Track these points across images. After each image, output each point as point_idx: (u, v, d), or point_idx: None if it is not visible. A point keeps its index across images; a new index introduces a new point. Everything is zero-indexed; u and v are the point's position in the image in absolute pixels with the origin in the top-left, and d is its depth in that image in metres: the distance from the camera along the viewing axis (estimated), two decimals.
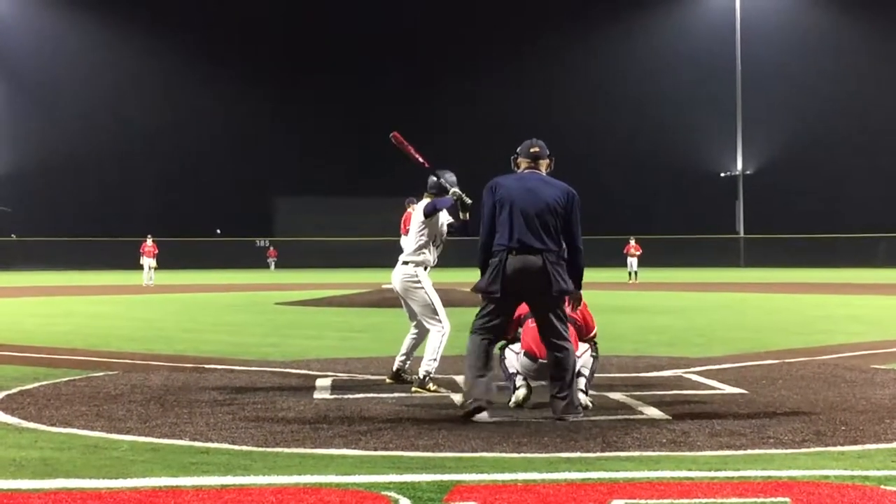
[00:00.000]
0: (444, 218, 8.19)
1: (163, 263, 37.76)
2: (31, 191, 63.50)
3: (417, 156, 7.99)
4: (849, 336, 12.92)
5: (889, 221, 57.16)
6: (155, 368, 9.37)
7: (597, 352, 7.33)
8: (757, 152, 65.90)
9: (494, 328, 6.59)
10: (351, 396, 7.45)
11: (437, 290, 8.14)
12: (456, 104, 67.23)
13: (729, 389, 7.81)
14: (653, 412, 6.66)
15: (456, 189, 7.89)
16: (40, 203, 64.08)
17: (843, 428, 6.04)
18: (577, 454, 5.28)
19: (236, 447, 5.50)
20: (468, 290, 10.63)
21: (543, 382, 6.80)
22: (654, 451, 5.38)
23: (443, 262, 8.97)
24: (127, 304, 22.21)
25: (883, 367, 9.38)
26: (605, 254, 48.49)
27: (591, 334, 7.34)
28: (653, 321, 16.15)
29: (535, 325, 6.75)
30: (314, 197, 68.47)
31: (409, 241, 8.33)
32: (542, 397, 6.76)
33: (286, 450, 5.42)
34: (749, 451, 5.36)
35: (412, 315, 8.23)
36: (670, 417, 6.44)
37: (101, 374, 8.88)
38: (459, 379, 8.22)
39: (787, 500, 4.26)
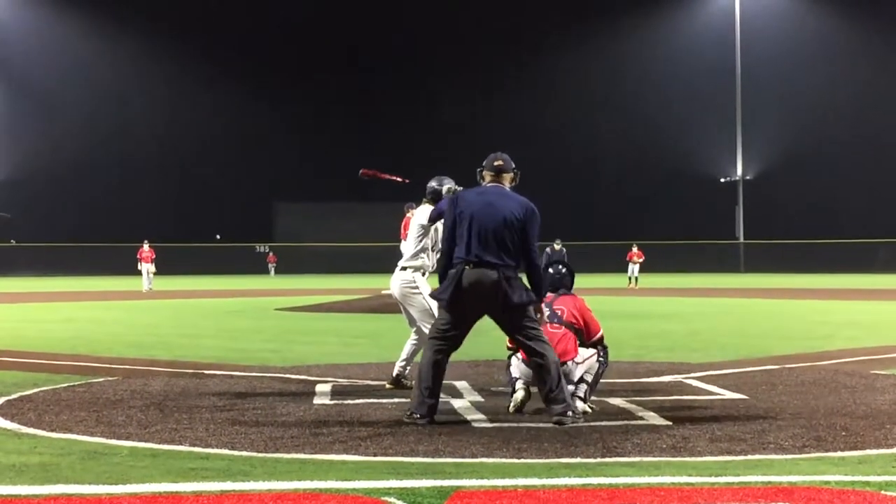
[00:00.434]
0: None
1: (163, 269, 37.77)
2: (30, 196, 63.51)
3: (392, 176, 8.09)
4: (848, 341, 12.91)
5: (888, 227, 57.20)
6: (155, 374, 9.37)
7: (606, 357, 7.32)
8: (757, 158, 65.96)
9: (450, 337, 6.66)
10: (351, 402, 7.45)
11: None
12: (456, 109, 67.29)
13: (729, 395, 7.81)
14: (653, 418, 6.66)
15: (450, 185, 7.92)
16: (40, 209, 64.10)
17: (843, 433, 6.04)
18: (578, 460, 5.28)
19: (236, 453, 5.50)
20: None
21: None
22: (654, 456, 5.37)
23: None
24: (127, 310, 22.20)
25: (883, 372, 9.37)
26: (605, 259, 48.55)
27: (597, 337, 7.32)
28: (653, 326, 16.15)
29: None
30: (314, 202, 68.55)
31: (408, 247, 8.35)
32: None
33: (286, 455, 5.42)
34: (749, 457, 5.35)
35: (411, 321, 8.24)
36: (670, 423, 6.43)
37: (101, 379, 8.87)
38: (458, 384, 8.24)
39: None
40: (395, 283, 8.22)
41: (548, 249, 30.59)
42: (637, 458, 5.31)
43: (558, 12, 66.84)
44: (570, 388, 6.75)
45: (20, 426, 6.35)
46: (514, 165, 6.90)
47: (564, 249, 32.32)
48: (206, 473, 4.93)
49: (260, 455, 5.43)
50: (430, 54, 66.97)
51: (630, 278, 37.75)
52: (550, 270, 7.59)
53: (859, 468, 5.04)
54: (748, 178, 66.37)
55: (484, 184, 6.88)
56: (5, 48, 62.12)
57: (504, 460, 5.28)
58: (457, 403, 7.29)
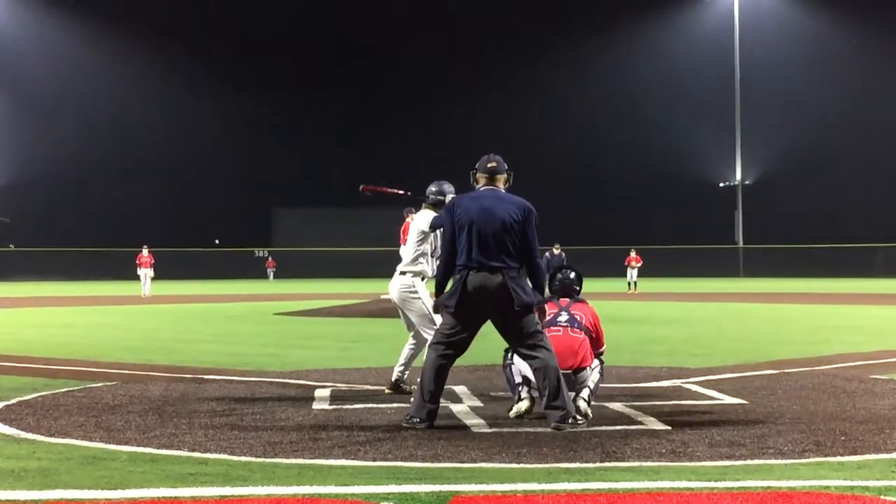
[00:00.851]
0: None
1: (161, 274, 37.74)
2: (29, 201, 63.50)
3: (393, 191, 8.12)
4: (848, 346, 12.91)
5: (887, 231, 57.21)
6: (153, 379, 9.36)
7: (603, 369, 7.33)
8: (756, 163, 66.00)
9: (455, 343, 6.67)
10: (350, 407, 7.44)
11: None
12: (456, 112, 67.35)
13: (728, 400, 7.81)
14: (652, 422, 6.65)
15: (452, 195, 7.92)
16: (39, 214, 64.10)
17: (842, 438, 6.04)
18: (577, 464, 5.28)
19: (235, 458, 5.49)
20: None
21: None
22: (653, 461, 5.37)
23: None
24: (126, 315, 22.19)
25: (882, 377, 9.37)
26: (605, 264, 48.54)
27: (601, 350, 7.35)
28: (652, 331, 16.15)
29: (550, 335, 6.78)
30: (313, 207, 68.54)
31: (407, 252, 8.35)
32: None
33: (285, 460, 5.42)
34: (749, 462, 5.35)
35: (410, 325, 8.24)
36: (670, 428, 6.43)
37: (100, 384, 8.87)
38: (458, 389, 8.23)
39: None
40: (394, 288, 8.22)
41: (547, 254, 30.58)
42: (636, 463, 5.30)
43: (558, 15, 66.94)
44: (571, 393, 6.74)
45: (19, 431, 6.35)
46: (507, 166, 6.91)
47: (564, 254, 32.33)
48: (205, 478, 4.93)
49: (259, 460, 5.42)
50: (430, 57, 67.02)
51: (629, 283, 37.75)
52: (559, 276, 7.60)
53: (859, 473, 5.04)
54: (747, 182, 66.40)
55: (478, 187, 6.88)
56: (4, 53, 62.13)
57: (503, 465, 5.27)
58: (456, 408, 7.29)
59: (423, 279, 8.20)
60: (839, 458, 5.45)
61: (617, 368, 9.88)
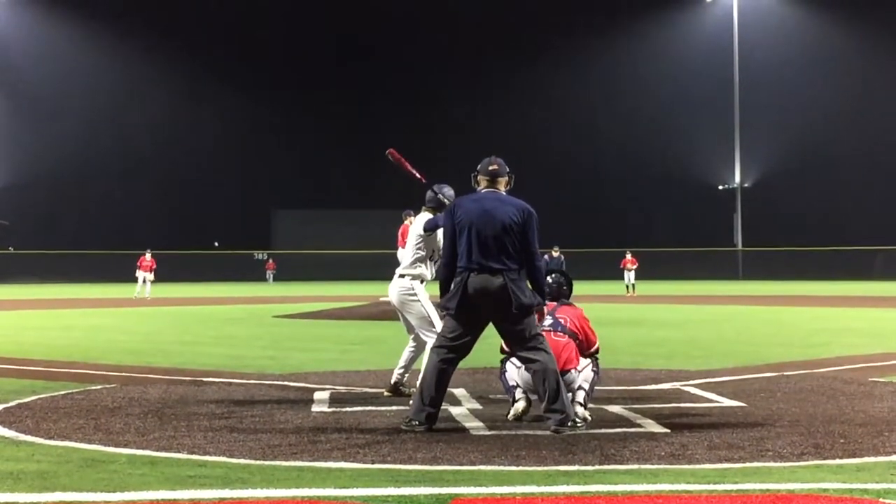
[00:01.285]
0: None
1: (161, 276, 37.72)
2: (29, 203, 63.48)
3: (414, 171, 8.08)
4: (847, 349, 12.91)
5: (886, 234, 57.23)
6: (153, 381, 9.36)
7: (598, 367, 7.33)
8: (755, 165, 66.02)
9: (457, 346, 6.67)
10: (349, 409, 7.45)
11: (434, 304, 8.15)
12: (455, 116, 67.35)
13: (727, 402, 7.81)
14: (651, 425, 6.66)
15: (452, 198, 7.92)
16: (38, 216, 64.08)
17: (841, 441, 6.04)
18: (576, 467, 5.28)
19: (234, 460, 5.49)
20: None
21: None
22: (652, 464, 5.37)
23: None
24: (125, 317, 22.19)
25: (881, 379, 9.38)
26: (602, 267, 48.53)
27: (593, 349, 7.35)
28: (651, 334, 16.15)
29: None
30: (313, 210, 68.55)
31: (406, 255, 8.35)
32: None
33: (284, 463, 5.42)
34: (747, 464, 5.36)
35: (410, 328, 8.25)
36: (669, 430, 6.43)
37: (99, 387, 8.86)
38: (457, 392, 8.23)
39: None
40: (393, 291, 8.23)
41: (546, 257, 30.59)
42: (635, 466, 5.31)
43: (558, 15, 66.95)
44: (569, 395, 6.75)
45: (18, 434, 6.35)
46: (508, 169, 6.93)
47: (563, 257, 32.34)
48: (204, 481, 4.93)
49: (258, 462, 5.42)
50: (430, 57, 67.05)
51: (627, 286, 37.74)
52: (549, 280, 7.60)
53: (857, 476, 5.05)
54: (746, 185, 66.41)
55: (479, 189, 6.90)
56: (4, 54, 62.16)
57: (502, 468, 5.28)
58: (455, 411, 7.29)
59: (422, 282, 8.20)
60: (838, 461, 5.45)
61: (616, 371, 9.88)
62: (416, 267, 8.19)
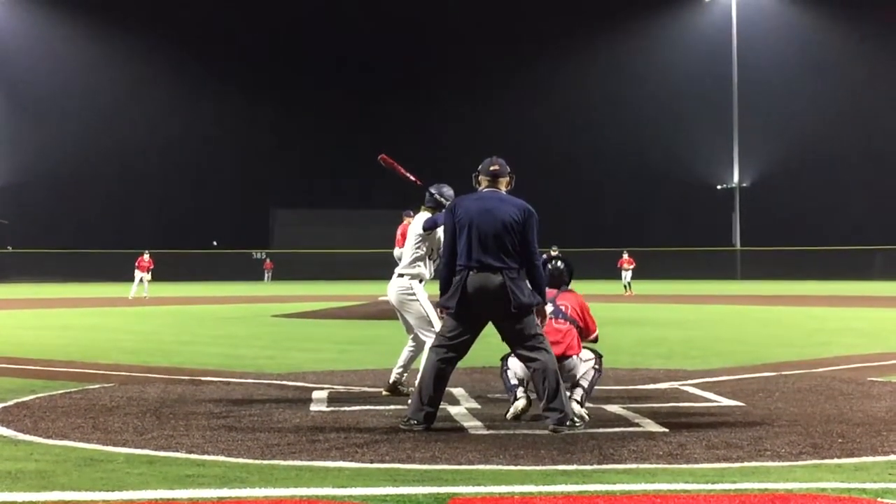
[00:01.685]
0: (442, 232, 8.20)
1: (159, 275, 37.72)
2: (27, 203, 63.46)
3: (408, 175, 8.10)
4: (845, 348, 12.91)
5: (885, 234, 57.28)
6: (151, 381, 9.36)
7: (601, 365, 7.32)
8: (753, 165, 66.05)
9: (456, 345, 6.67)
10: (347, 409, 7.44)
11: (433, 303, 8.15)
12: (455, 116, 67.36)
13: (726, 402, 7.81)
14: (649, 424, 6.66)
15: (452, 198, 7.91)
16: (37, 215, 64.05)
17: (839, 440, 6.04)
18: (574, 466, 5.28)
19: (232, 459, 5.49)
20: None
21: None
22: (650, 463, 5.37)
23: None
24: (123, 317, 22.18)
25: (879, 379, 9.38)
26: (601, 266, 48.54)
27: (593, 336, 7.36)
28: (649, 333, 16.15)
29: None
30: (311, 209, 68.54)
31: (405, 254, 8.35)
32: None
33: (282, 462, 5.42)
34: (746, 464, 5.36)
35: (409, 327, 8.24)
36: (667, 430, 6.44)
37: (98, 386, 8.86)
38: (455, 391, 8.23)
39: None
40: (392, 290, 8.22)
41: (544, 256, 30.58)
42: (633, 465, 5.31)
43: (558, 18, 67.02)
44: (567, 386, 6.76)
45: (16, 433, 6.35)
46: (509, 170, 6.94)
47: (561, 256, 32.40)
48: (203, 480, 4.93)
49: (256, 462, 5.42)
50: (429, 59, 67.07)
51: (625, 286, 37.76)
52: (549, 266, 7.62)
53: (856, 475, 5.05)
54: (745, 185, 66.45)
55: (480, 189, 6.91)
56: (3, 55, 62.13)
57: (500, 467, 5.28)
58: (453, 410, 7.29)
59: (421, 281, 8.20)
60: (836, 461, 5.45)
61: (614, 370, 9.88)
62: (414, 266, 8.19)
